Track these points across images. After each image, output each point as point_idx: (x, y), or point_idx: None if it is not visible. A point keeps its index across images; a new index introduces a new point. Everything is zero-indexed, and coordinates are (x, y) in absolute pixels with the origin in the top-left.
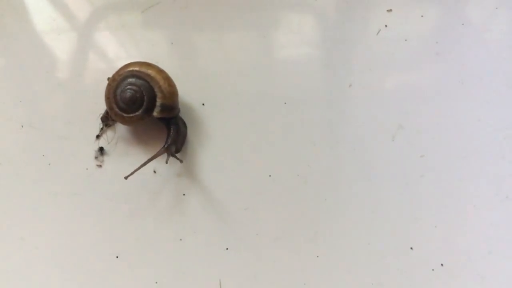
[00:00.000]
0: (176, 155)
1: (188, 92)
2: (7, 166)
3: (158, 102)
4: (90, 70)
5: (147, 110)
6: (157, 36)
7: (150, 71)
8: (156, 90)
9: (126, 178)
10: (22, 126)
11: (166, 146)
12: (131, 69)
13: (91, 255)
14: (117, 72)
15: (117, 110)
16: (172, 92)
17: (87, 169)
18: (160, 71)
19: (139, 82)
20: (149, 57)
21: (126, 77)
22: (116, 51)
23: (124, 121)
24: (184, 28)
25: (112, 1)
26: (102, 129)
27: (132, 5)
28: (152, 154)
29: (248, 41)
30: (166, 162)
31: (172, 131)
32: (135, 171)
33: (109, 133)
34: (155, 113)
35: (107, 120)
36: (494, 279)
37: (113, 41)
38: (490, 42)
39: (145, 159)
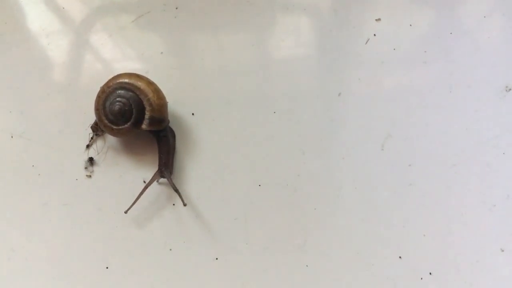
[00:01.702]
0: (180, 195)
1: (178, 102)
2: None
3: (147, 115)
4: (80, 81)
5: (135, 123)
6: (146, 45)
7: (140, 83)
8: (145, 103)
9: (126, 212)
10: (12, 137)
11: (159, 170)
12: (120, 80)
13: (81, 265)
14: (107, 84)
15: (106, 122)
16: (161, 105)
17: (76, 179)
18: (150, 84)
19: (128, 94)
20: (139, 67)
21: (115, 89)
22: (105, 61)
23: (113, 132)
24: (173, 38)
25: (101, 11)
26: (92, 139)
27: (121, 14)
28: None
29: (238, 51)
30: (158, 182)
31: (162, 150)
32: (134, 203)
33: (98, 143)
34: (143, 126)
35: (97, 130)
36: (482, 287)
37: (102, 52)
38: (478, 51)
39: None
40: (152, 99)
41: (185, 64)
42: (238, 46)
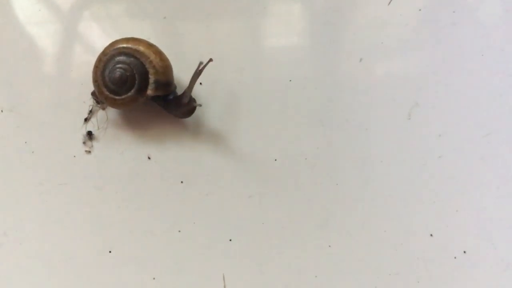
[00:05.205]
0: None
1: (184, 72)
2: None
3: (151, 79)
4: (74, 52)
5: (140, 90)
6: (142, 25)
7: (140, 46)
8: (147, 66)
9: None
10: (1, 111)
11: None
12: (118, 46)
13: (81, 250)
14: (103, 52)
15: (107, 93)
16: (165, 67)
17: (74, 156)
18: (150, 45)
19: (128, 59)
20: None
21: (114, 55)
22: (100, 38)
23: (116, 104)
24: (164, 24)
25: None
26: (90, 111)
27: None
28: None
29: (235, 38)
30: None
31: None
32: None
33: (98, 117)
34: (149, 91)
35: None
36: None
37: (97, 29)
38: (509, 11)
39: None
40: (155, 61)
41: (182, 43)
42: (233, 32)
